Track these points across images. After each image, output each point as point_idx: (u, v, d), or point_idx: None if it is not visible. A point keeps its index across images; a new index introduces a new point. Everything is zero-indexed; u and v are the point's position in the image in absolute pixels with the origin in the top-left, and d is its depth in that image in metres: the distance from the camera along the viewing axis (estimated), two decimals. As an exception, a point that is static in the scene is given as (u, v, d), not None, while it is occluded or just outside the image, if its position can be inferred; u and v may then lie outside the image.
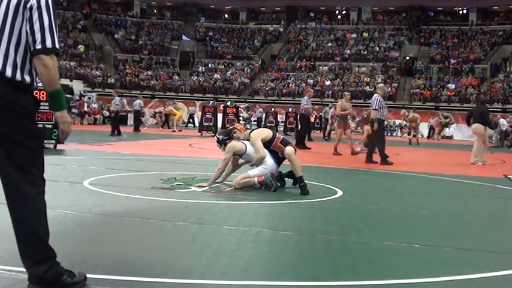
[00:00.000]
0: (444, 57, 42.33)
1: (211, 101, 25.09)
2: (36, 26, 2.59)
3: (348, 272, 3.29)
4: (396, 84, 39.82)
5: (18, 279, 2.81)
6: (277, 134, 7.21)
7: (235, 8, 51.02)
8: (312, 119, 24.40)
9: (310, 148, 15.08)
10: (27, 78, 2.64)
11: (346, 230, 4.61)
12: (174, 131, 23.93)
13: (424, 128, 30.12)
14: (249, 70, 44.44)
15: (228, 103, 22.77)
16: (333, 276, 3.20)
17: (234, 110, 22.03)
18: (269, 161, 6.76)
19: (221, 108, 22.72)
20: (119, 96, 20.65)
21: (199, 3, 50.13)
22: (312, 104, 17.78)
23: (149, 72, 43.85)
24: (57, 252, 3.40)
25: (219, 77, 43.47)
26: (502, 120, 24.16)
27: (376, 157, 11.45)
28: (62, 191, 6.08)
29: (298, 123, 17.49)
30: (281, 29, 48.77)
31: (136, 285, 2.87)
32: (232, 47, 47.70)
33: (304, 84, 41.30)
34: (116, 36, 47.25)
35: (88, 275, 2.88)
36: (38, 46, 2.58)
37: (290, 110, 28.65)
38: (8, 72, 2.58)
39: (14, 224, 2.71)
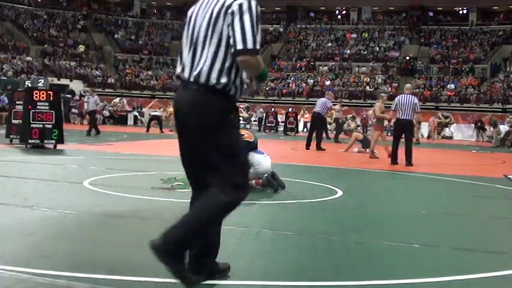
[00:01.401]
0: (444, 57, 42.32)
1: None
2: (237, 29, 2.66)
3: (348, 272, 3.29)
4: (396, 84, 39.80)
5: (19, 279, 2.81)
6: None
7: (235, 8, 50.96)
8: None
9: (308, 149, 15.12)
10: (224, 81, 2.72)
11: (346, 230, 4.61)
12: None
13: (424, 128, 30.11)
14: (249, 70, 44.38)
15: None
16: (333, 276, 3.20)
17: (234, 110, 21.98)
18: (262, 160, 6.57)
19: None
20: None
21: (199, 3, 50.09)
22: (313, 104, 17.65)
23: (149, 72, 43.85)
24: (57, 252, 3.42)
25: (219, 77, 43.41)
26: (502, 127, 24.09)
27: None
28: (62, 191, 6.09)
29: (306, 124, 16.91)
30: (281, 29, 48.77)
31: (136, 285, 2.87)
32: (232, 47, 47.64)
33: (304, 84, 41.34)
34: (116, 36, 47.24)
35: (88, 275, 2.89)
36: (240, 47, 2.64)
37: (290, 110, 28.64)
38: (203, 78, 2.71)
39: None
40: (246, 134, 6.42)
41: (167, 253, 2.69)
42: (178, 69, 2.87)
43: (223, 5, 2.70)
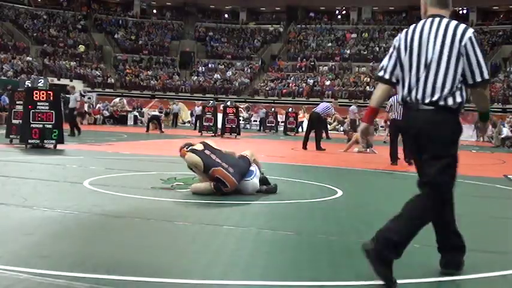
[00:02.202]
0: (444, 57, 42.29)
1: (212, 101, 25.08)
2: (474, 61, 3.04)
3: (348, 272, 3.29)
4: (396, 84, 39.84)
5: (18, 279, 2.81)
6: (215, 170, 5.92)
7: (235, 8, 51.02)
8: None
9: (325, 149, 15.12)
10: (456, 105, 3.07)
11: (346, 230, 4.61)
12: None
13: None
14: (249, 70, 44.44)
15: (228, 103, 22.76)
16: (333, 276, 3.20)
17: (234, 110, 22.03)
18: (249, 185, 6.18)
19: (221, 108, 22.72)
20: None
21: (199, 3, 50.13)
22: (313, 104, 17.67)
23: (149, 72, 43.85)
24: (57, 252, 3.42)
25: (219, 77, 43.47)
26: (504, 130, 24.05)
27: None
28: (62, 191, 6.09)
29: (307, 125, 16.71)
30: (281, 29, 48.78)
31: (136, 285, 2.87)
32: (232, 47, 47.71)
33: (304, 84, 41.33)
34: (116, 36, 47.26)
35: (88, 275, 2.89)
36: (478, 79, 3.06)
37: (290, 110, 28.64)
38: (442, 100, 3.04)
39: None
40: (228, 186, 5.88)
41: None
42: (405, 91, 3.19)
43: (454, 36, 3.06)
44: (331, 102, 18.62)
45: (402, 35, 3.26)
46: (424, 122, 3.09)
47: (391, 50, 3.32)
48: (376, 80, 3.36)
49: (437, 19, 3.16)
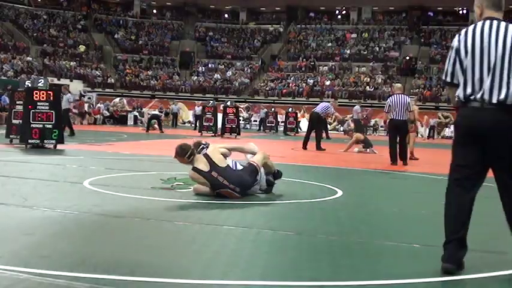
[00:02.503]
0: (444, 57, 42.27)
1: (212, 101, 25.08)
2: None
3: (348, 272, 3.29)
4: (396, 84, 39.81)
5: (18, 279, 2.81)
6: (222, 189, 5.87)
7: (235, 8, 51.03)
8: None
9: (325, 149, 15.12)
10: None
11: (346, 230, 4.61)
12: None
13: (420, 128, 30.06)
14: (249, 70, 44.44)
15: (228, 103, 22.76)
16: (333, 276, 3.20)
17: (234, 110, 22.02)
18: (257, 177, 6.16)
19: (221, 108, 22.73)
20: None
21: (199, 3, 50.14)
22: (313, 104, 17.64)
23: (149, 72, 43.85)
24: (57, 252, 3.42)
25: (219, 77, 43.47)
26: None
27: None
28: (62, 191, 6.09)
29: (308, 125, 16.58)
30: (281, 29, 48.78)
31: (136, 285, 2.87)
32: (232, 47, 47.71)
33: (304, 84, 41.33)
34: (116, 36, 47.26)
35: (88, 275, 2.89)
36: None
37: (290, 110, 28.63)
38: (510, 100, 3.20)
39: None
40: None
41: None
42: (468, 91, 3.30)
43: None
44: (330, 101, 18.62)
45: (461, 36, 3.42)
46: (492, 122, 3.25)
47: (450, 52, 3.46)
48: (444, 84, 3.58)
49: (495, 22, 3.36)
